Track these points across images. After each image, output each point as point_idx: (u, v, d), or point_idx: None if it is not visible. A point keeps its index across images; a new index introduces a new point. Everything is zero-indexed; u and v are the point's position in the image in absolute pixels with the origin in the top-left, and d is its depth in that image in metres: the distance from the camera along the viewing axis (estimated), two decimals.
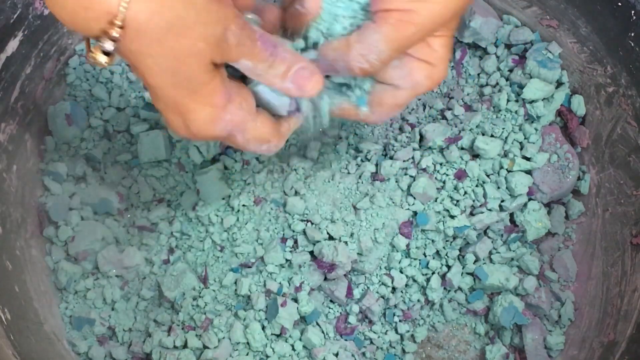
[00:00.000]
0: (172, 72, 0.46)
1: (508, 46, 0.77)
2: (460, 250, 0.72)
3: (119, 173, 0.74)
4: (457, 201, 0.72)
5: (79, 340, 0.70)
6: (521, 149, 0.73)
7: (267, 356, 0.68)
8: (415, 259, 0.72)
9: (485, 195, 0.72)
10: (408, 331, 0.72)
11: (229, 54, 0.48)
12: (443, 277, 0.72)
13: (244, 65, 0.49)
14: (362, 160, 0.74)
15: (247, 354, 0.68)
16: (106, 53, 0.46)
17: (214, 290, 0.70)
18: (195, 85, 0.47)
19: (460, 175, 0.72)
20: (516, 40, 0.76)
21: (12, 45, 0.66)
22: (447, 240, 0.72)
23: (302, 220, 0.70)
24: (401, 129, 0.75)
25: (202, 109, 0.48)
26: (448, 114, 0.75)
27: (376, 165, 0.73)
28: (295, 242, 0.70)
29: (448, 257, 0.72)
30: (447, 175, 0.72)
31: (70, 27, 0.46)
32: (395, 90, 0.55)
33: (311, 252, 0.70)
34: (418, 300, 0.72)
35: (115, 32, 0.44)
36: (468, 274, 0.72)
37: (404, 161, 0.73)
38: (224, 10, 0.46)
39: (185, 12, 0.44)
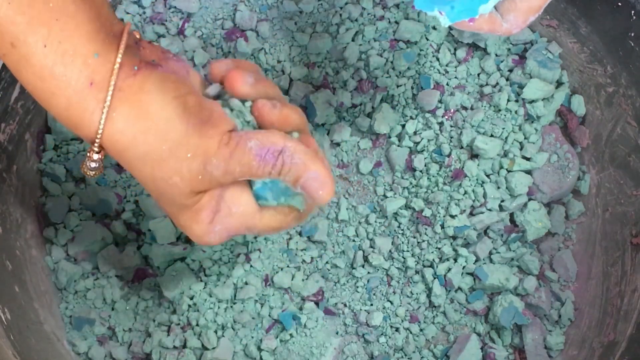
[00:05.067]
0: (156, 193, 0.47)
1: (508, 46, 0.77)
2: (460, 250, 0.72)
3: (117, 174, 0.74)
4: (458, 201, 0.72)
5: (79, 340, 0.69)
6: (521, 148, 0.73)
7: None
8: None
9: (485, 195, 0.72)
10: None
11: (215, 183, 0.46)
12: (444, 277, 0.72)
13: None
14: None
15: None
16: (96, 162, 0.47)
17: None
18: (180, 207, 0.47)
19: (458, 174, 0.72)
20: (516, 40, 0.76)
21: None
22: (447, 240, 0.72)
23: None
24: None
25: (191, 225, 0.48)
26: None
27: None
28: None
29: (448, 256, 0.72)
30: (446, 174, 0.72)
31: None
32: None
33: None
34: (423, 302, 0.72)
35: (96, 154, 0.46)
36: (468, 274, 0.72)
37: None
38: (204, 142, 0.44)
39: (158, 146, 0.44)
